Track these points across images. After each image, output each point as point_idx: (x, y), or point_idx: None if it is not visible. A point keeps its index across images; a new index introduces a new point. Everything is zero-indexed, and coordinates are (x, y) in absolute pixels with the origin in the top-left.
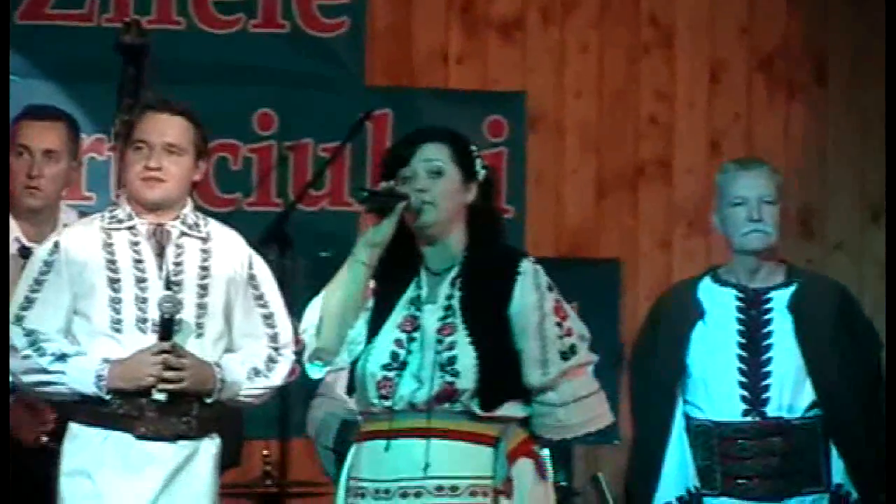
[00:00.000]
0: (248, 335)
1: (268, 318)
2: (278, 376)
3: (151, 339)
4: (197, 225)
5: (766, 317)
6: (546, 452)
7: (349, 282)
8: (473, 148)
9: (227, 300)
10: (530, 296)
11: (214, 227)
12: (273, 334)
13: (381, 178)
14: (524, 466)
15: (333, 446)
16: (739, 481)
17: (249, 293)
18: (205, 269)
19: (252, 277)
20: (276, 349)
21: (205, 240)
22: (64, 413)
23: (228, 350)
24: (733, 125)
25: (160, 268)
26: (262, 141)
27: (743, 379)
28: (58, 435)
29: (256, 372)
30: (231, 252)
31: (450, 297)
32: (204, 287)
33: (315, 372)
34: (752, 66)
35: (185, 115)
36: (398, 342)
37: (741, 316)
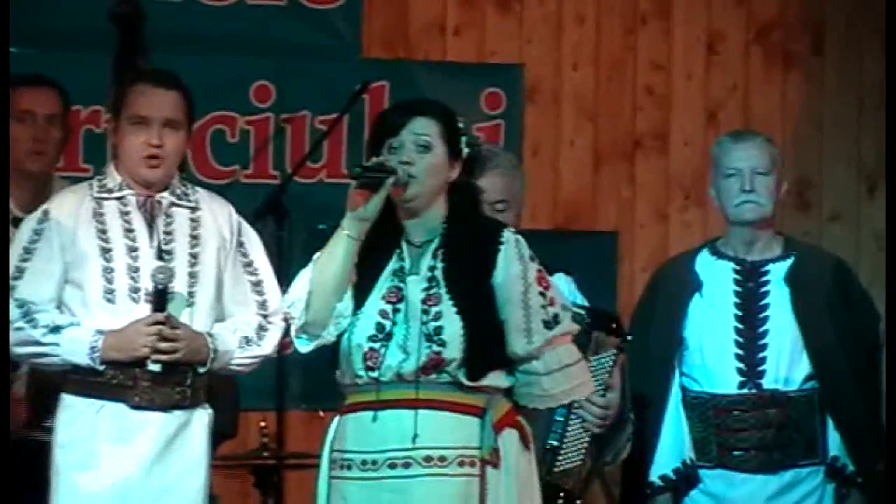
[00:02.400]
0: (238, 303)
1: (256, 285)
2: (269, 345)
3: (144, 308)
4: (186, 194)
5: (763, 289)
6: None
7: (338, 256)
8: (461, 126)
9: (218, 268)
10: (514, 266)
11: (203, 196)
12: (262, 301)
13: (370, 143)
14: (510, 437)
15: None
16: (735, 453)
17: (238, 260)
18: (195, 237)
19: (241, 245)
20: (265, 317)
21: (194, 208)
22: (38, 403)
23: (219, 318)
24: (730, 96)
25: (151, 237)
26: (259, 113)
27: (739, 351)
28: (31, 426)
29: (247, 341)
30: (220, 220)
31: (432, 269)
32: (195, 256)
33: (303, 346)
34: (750, 36)
35: (179, 89)
36: (383, 313)
37: (738, 288)
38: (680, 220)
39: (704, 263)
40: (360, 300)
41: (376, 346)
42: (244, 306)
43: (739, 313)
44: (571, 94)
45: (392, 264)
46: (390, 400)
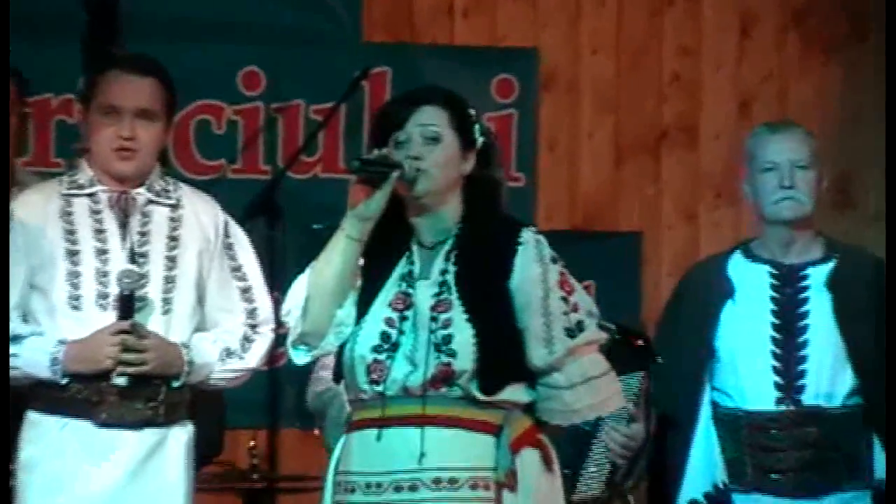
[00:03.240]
0: (224, 310)
1: (245, 291)
2: (254, 357)
3: (113, 317)
4: (166, 191)
5: (803, 295)
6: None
7: (338, 259)
8: (472, 112)
9: (200, 272)
10: (533, 268)
11: (186, 193)
12: (251, 309)
13: (372, 140)
14: (529, 457)
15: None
16: (772, 476)
17: (226, 264)
18: (174, 238)
19: (228, 247)
20: (252, 326)
21: (174, 206)
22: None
23: (201, 328)
24: (765, 85)
25: (124, 238)
26: (248, 102)
27: (776, 363)
28: None
29: (229, 352)
30: (204, 219)
31: (444, 272)
32: (173, 259)
33: (300, 357)
34: (786, 20)
35: (156, 76)
36: (389, 321)
37: (775, 294)
38: (710, 219)
39: (738, 267)
40: (363, 307)
41: (381, 357)
42: (231, 314)
43: (776, 321)
44: (591, 82)
45: (400, 268)
46: (396, 417)
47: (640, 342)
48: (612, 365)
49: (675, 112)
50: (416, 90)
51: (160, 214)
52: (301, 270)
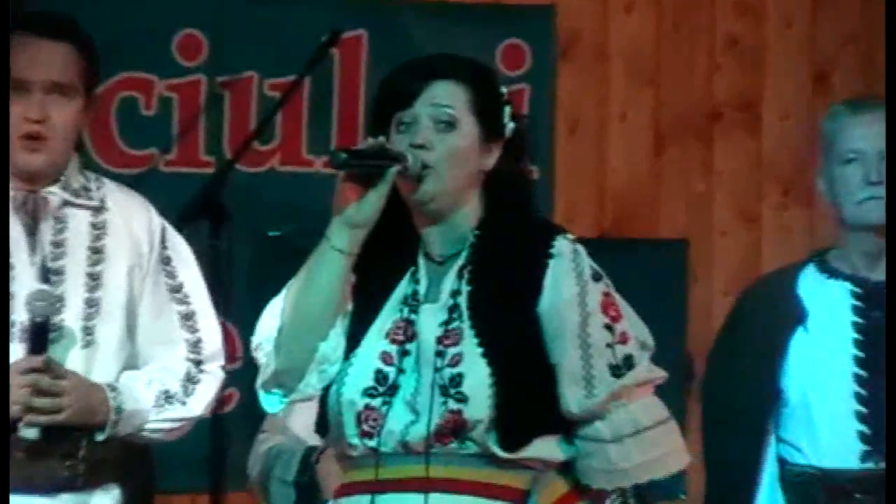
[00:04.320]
0: (160, 342)
1: (187, 318)
2: (199, 402)
3: (19, 350)
4: (86, 189)
5: None
6: None
7: (322, 277)
8: (503, 90)
9: (130, 294)
10: (568, 287)
11: (112, 192)
12: (194, 341)
13: (372, 122)
14: None
15: (296, 478)
16: None
17: (162, 283)
18: (97, 250)
19: (166, 261)
20: (197, 363)
21: (98, 210)
22: None
23: (131, 365)
24: (846, 51)
25: (33, 250)
26: (187, 74)
27: (862, 408)
28: None
29: (168, 396)
30: (136, 226)
31: (456, 294)
32: (95, 276)
33: (273, 404)
34: None
35: (72, 40)
36: (386, 357)
37: (859, 319)
38: (776, 223)
39: (811, 284)
40: (354, 339)
41: (375, 403)
42: (169, 347)
43: (861, 355)
44: (623, 49)
45: (402, 288)
46: (393, 479)
47: None
48: None
49: (732, 86)
50: (430, 58)
51: (79, 220)
52: (253, 288)
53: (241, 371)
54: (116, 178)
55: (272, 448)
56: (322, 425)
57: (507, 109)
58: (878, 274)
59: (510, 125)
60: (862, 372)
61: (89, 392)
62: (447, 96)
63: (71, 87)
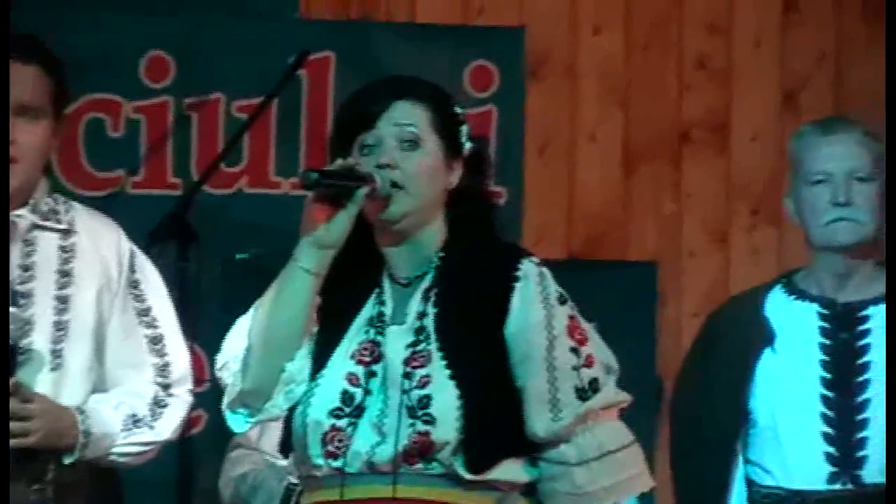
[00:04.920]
0: (128, 365)
1: (155, 341)
2: (167, 426)
3: None
4: (54, 212)
5: (862, 342)
6: None
7: (290, 298)
8: (459, 110)
9: (99, 317)
10: (534, 310)
11: (80, 215)
12: (162, 365)
13: (333, 145)
14: None
15: None
16: None
17: (131, 307)
18: (66, 273)
19: (134, 284)
20: (165, 387)
21: (66, 233)
22: None
23: (98, 388)
24: (816, 70)
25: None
26: (154, 96)
27: (829, 430)
28: None
29: (136, 420)
30: (104, 249)
31: (422, 316)
32: (64, 299)
33: (239, 424)
34: None
35: (40, 61)
36: (352, 378)
37: (827, 341)
38: (745, 243)
39: (779, 306)
40: (320, 360)
41: (341, 424)
42: (137, 371)
43: (829, 376)
44: (592, 69)
45: (367, 310)
46: (359, 500)
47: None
48: None
49: (701, 106)
50: (389, 80)
51: (48, 243)
52: (221, 311)
53: (209, 393)
54: (83, 200)
55: (247, 475)
56: (286, 445)
57: (464, 129)
58: (846, 295)
59: (468, 144)
60: (829, 393)
61: (58, 415)
62: (410, 115)
63: (40, 109)
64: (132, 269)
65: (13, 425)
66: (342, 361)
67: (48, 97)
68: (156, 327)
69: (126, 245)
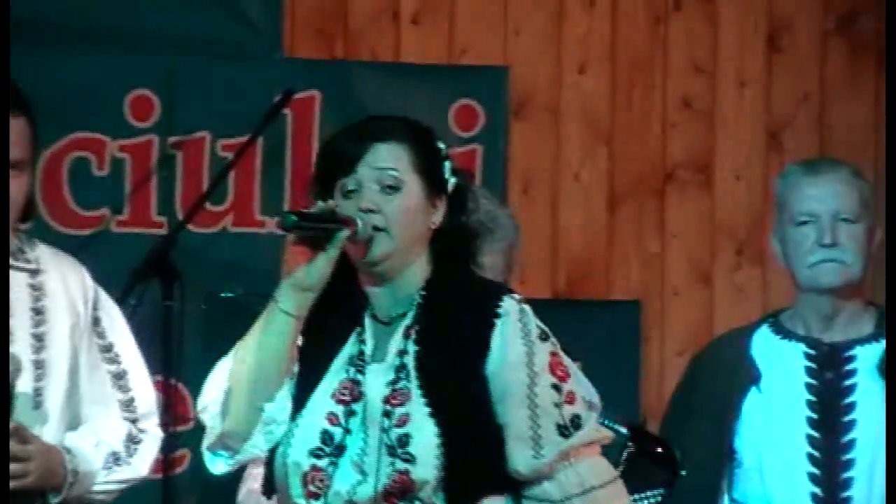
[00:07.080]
0: (95, 402)
1: (118, 377)
2: (143, 463)
3: None
4: (22, 251)
5: (848, 382)
6: None
7: (270, 339)
8: (441, 147)
9: (73, 354)
10: (515, 347)
11: (44, 254)
12: (126, 400)
13: (314, 188)
14: None
15: None
16: None
17: (95, 344)
18: (39, 311)
19: (96, 322)
20: (134, 422)
21: (34, 272)
22: None
23: (71, 425)
24: (801, 110)
25: None
26: (139, 135)
27: (814, 470)
28: None
29: (116, 458)
30: (72, 287)
31: (402, 354)
32: (40, 338)
33: (218, 465)
34: (828, 25)
35: (25, 112)
36: (332, 418)
37: (812, 381)
38: (730, 283)
39: (765, 345)
40: (300, 400)
41: (321, 464)
42: (102, 407)
43: (814, 416)
44: (576, 109)
45: (348, 349)
46: None
47: (660, 449)
48: (626, 482)
49: (685, 145)
50: (367, 122)
51: (18, 282)
52: (205, 349)
53: (193, 432)
54: (68, 238)
55: None
56: (268, 486)
57: (448, 164)
58: (831, 335)
59: (452, 180)
60: (815, 433)
61: (50, 455)
62: (390, 158)
63: (24, 161)
64: (95, 307)
65: (13, 467)
66: (322, 401)
67: (31, 148)
68: (118, 363)
69: (90, 282)
